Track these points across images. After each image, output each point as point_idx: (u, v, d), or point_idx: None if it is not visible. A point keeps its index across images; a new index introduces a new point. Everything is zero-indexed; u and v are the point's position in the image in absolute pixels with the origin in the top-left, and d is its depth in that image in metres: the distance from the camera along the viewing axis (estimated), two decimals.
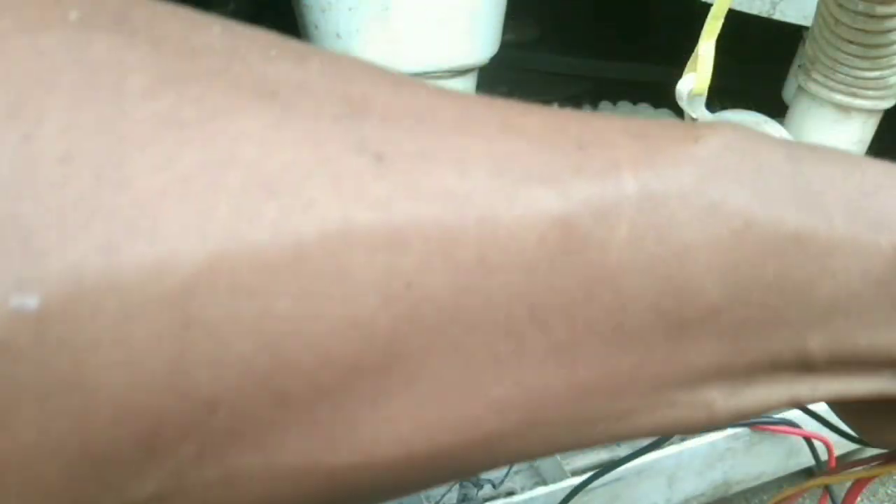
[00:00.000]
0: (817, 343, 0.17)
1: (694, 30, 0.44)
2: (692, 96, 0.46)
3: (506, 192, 0.14)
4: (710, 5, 0.43)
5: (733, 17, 0.46)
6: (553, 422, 0.16)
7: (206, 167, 0.12)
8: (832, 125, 0.59)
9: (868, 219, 0.17)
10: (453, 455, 0.15)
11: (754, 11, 0.64)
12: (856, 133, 0.60)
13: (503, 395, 0.15)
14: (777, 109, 0.66)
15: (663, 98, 0.62)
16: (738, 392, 0.17)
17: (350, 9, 0.50)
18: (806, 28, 0.63)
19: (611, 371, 0.16)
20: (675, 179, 0.15)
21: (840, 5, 0.49)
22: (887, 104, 0.58)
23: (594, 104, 0.71)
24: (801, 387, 0.18)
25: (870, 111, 0.58)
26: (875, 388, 0.19)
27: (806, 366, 0.17)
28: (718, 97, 0.53)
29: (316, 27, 0.52)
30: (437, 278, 0.13)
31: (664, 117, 0.69)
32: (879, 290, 0.17)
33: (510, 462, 0.16)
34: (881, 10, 0.47)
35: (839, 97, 0.57)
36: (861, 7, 0.48)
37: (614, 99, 0.71)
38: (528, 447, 0.16)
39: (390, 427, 0.14)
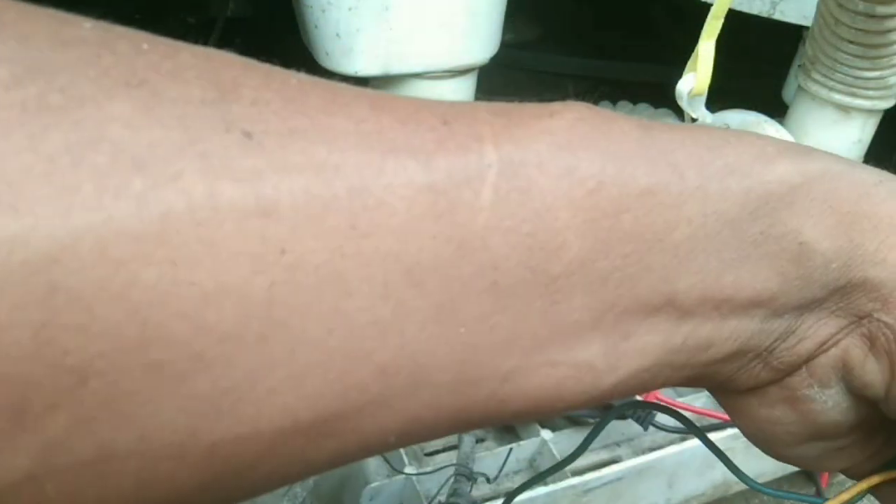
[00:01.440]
0: (684, 284, 0.18)
1: (694, 30, 0.44)
2: (692, 96, 0.46)
3: (374, 164, 0.15)
4: (710, 5, 0.43)
5: (733, 17, 0.46)
6: (437, 383, 0.16)
7: (71, 147, 0.12)
8: (832, 125, 0.59)
9: (717, 168, 0.18)
10: (340, 422, 0.16)
11: (754, 11, 0.64)
12: (856, 133, 0.60)
13: (387, 358, 0.15)
14: (777, 109, 0.66)
15: (663, 98, 0.62)
16: (617, 348, 0.18)
17: (350, 9, 0.50)
18: (806, 28, 0.63)
19: (490, 328, 0.17)
20: (533, 149, 0.17)
21: (840, 5, 0.49)
22: (887, 104, 0.58)
23: (594, 104, 0.71)
24: (677, 336, 0.19)
25: (870, 111, 0.58)
26: (747, 331, 0.19)
27: (677, 309, 0.18)
28: (718, 97, 0.53)
29: (316, 27, 0.52)
30: (311, 243, 0.14)
31: (664, 117, 0.69)
32: (735, 228, 0.18)
33: (399, 431, 0.17)
34: (881, 10, 0.47)
35: (839, 97, 0.57)
36: (861, 7, 0.48)
37: (614, 99, 0.71)
38: (415, 411, 0.17)
39: (274, 397, 0.14)
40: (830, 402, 0.21)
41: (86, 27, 0.14)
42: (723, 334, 0.19)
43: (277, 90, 0.15)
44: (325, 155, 0.14)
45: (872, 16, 0.48)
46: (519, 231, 0.16)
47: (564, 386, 0.18)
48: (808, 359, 0.20)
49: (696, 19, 0.45)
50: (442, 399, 0.17)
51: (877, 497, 0.24)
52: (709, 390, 0.23)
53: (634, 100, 0.71)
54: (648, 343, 0.18)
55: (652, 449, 0.62)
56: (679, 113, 0.48)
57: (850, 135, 0.60)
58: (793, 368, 0.21)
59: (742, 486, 0.71)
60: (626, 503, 0.64)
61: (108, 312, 0.12)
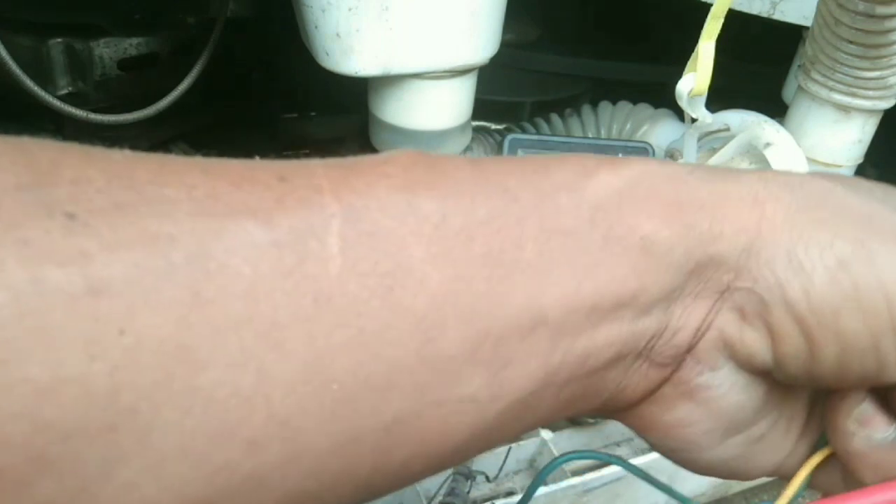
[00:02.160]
0: (549, 299, 0.18)
1: (694, 30, 0.44)
2: (692, 96, 0.46)
3: (212, 229, 0.14)
4: (710, 5, 0.43)
5: (733, 17, 0.46)
6: (316, 448, 0.16)
7: None
8: (832, 125, 0.59)
9: (546, 188, 0.19)
10: None
11: (754, 11, 0.64)
12: (855, 133, 0.60)
13: (255, 431, 0.15)
14: (777, 109, 0.66)
15: (663, 98, 0.62)
16: (498, 377, 0.18)
17: (350, 9, 0.50)
18: (806, 28, 0.63)
19: (365, 379, 0.16)
20: (373, 194, 0.17)
21: (840, 5, 0.49)
22: (887, 104, 0.58)
23: (594, 104, 0.71)
24: (555, 354, 0.19)
25: (870, 111, 0.58)
26: (621, 333, 0.20)
27: (549, 326, 0.19)
28: (718, 97, 0.53)
29: (316, 27, 0.52)
30: (151, 319, 0.13)
31: (664, 117, 0.68)
32: (578, 238, 0.19)
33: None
34: (881, 10, 0.47)
35: (839, 97, 0.57)
36: (861, 7, 0.48)
37: (614, 99, 0.71)
38: (296, 483, 0.16)
39: (133, 491, 0.13)
40: (727, 383, 0.21)
41: None
42: (598, 342, 0.19)
43: (100, 167, 0.15)
44: (157, 226, 0.14)
45: (872, 16, 0.48)
46: (375, 272, 0.16)
47: (450, 424, 0.18)
48: (690, 347, 0.21)
49: (695, 19, 0.45)
50: (324, 464, 0.16)
51: (818, 487, 0.24)
52: (607, 413, 0.23)
53: (634, 100, 0.71)
54: (528, 366, 0.18)
55: (652, 449, 0.62)
56: (679, 113, 0.48)
57: (850, 135, 0.60)
58: (678, 361, 0.21)
59: (742, 486, 0.71)
60: (626, 503, 0.64)
61: None
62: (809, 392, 0.24)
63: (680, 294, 0.20)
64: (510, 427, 0.19)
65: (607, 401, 0.21)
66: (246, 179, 0.16)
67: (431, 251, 0.17)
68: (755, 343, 0.20)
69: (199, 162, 0.16)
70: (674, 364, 0.21)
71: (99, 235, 0.13)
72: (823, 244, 0.19)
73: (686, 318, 0.21)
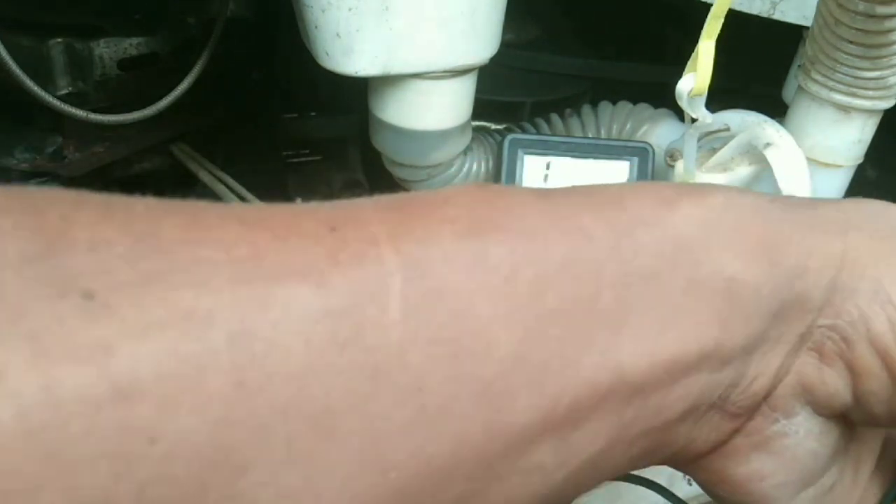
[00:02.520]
0: (628, 353, 0.16)
1: (694, 29, 0.44)
2: (692, 96, 0.46)
3: (257, 299, 0.12)
4: (709, 5, 0.43)
5: (733, 17, 0.46)
6: None
7: None
8: (832, 125, 0.59)
9: (623, 223, 0.17)
10: None
11: (754, 11, 0.64)
12: (856, 133, 0.60)
13: None
14: (777, 109, 0.66)
15: (663, 98, 0.62)
16: (567, 441, 0.16)
17: (350, 9, 0.50)
18: (806, 28, 0.63)
19: (427, 462, 0.14)
20: (436, 243, 0.15)
21: (840, 5, 0.49)
22: (887, 104, 0.58)
23: (594, 104, 0.71)
24: (627, 411, 0.17)
25: (870, 111, 0.58)
26: (696, 386, 0.18)
27: (628, 384, 0.17)
28: (718, 97, 0.53)
29: (316, 27, 0.52)
30: (187, 421, 0.11)
31: (664, 117, 0.68)
32: (660, 282, 0.17)
33: None
34: (881, 10, 0.47)
35: (839, 97, 0.57)
36: (861, 7, 0.48)
37: (614, 99, 0.71)
38: None
39: None
40: (802, 431, 0.20)
41: None
42: (673, 396, 0.18)
43: (121, 224, 0.12)
44: (192, 301, 0.12)
45: (872, 16, 0.48)
46: (439, 339, 0.14)
47: (512, 497, 0.16)
48: (766, 395, 0.20)
49: (695, 19, 0.45)
50: None
51: None
52: (675, 466, 0.22)
53: (634, 100, 0.71)
54: (600, 427, 0.17)
55: None
56: (679, 113, 0.48)
57: (850, 135, 0.60)
58: (752, 410, 0.20)
59: None
60: (626, 503, 0.64)
61: None
62: (880, 434, 0.23)
63: (762, 341, 0.19)
64: (574, 489, 0.18)
65: (677, 455, 0.20)
66: (292, 231, 0.14)
67: (501, 309, 0.15)
68: (836, 383, 0.19)
69: (235, 211, 0.14)
70: (747, 414, 0.20)
71: (123, 319, 0.11)
72: None
73: (765, 364, 0.19)
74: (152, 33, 0.61)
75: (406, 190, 0.66)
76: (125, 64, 0.60)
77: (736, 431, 0.20)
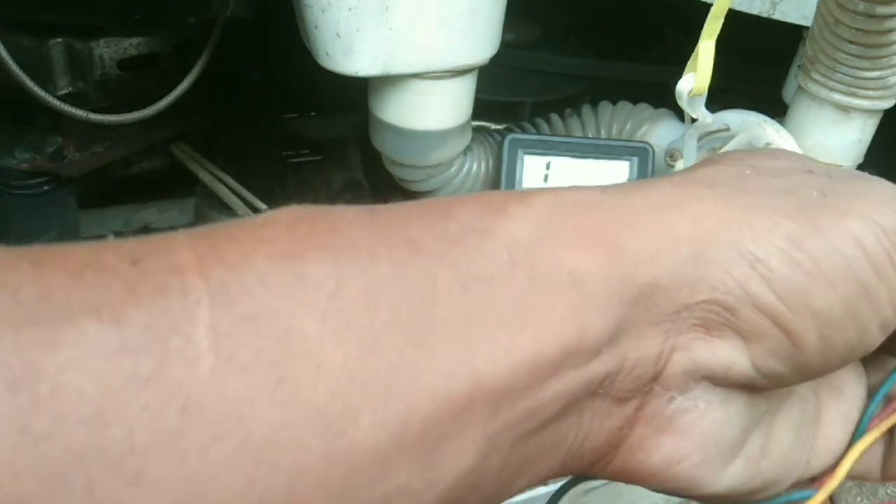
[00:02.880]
0: (482, 359, 0.16)
1: (694, 29, 0.44)
2: (692, 96, 0.46)
3: (43, 341, 0.12)
4: (709, 5, 0.43)
5: (733, 17, 0.46)
6: None
7: None
8: (832, 125, 0.59)
9: (453, 233, 0.17)
10: None
11: (754, 11, 0.64)
12: (856, 133, 0.60)
13: None
14: (777, 109, 0.66)
15: (663, 98, 0.62)
16: (430, 458, 0.15)
17: (350, 9, 0.50)
18: (806, 28, 0.63)
19: (256, 499, 0.13)
20: (249, 266, 0.14)
21: (840, 5, 0.49)
22: (887, 104, 0.58)
23: (594, 104, 0.71)
24: (495, 420, 0.16)
25: (870, 111, 0.58)
26: (571, 383, 0.17)
27: (483, 390, 0.16)
28: (718, 97, 0.53)
29: (316, 27, 0.52)
30: None
31: (664, 117, 0.68)
32: (500, 283, 0.17)
33: None
34: (881, 10, 0.47)
35: (839, 97, 0.57)
36: (861, 7, 0.48)
37: (614, 99, 0.71)
38: None
39: None
40: (702, 403, 0.20)
41: None
42: (544, 398, 0.17)
43: None
44: None
45: (872, 16, 0.48)
46: (259, 363, 0.13)
47: None
48: (654, 377, 0.19)
49: (695, 19, 0.45)
50: None
51: (851, 476, 0.23)
52: (584, 471, 0.21)
53: (634, 100, 0.71)
54: (465, 440, 0.16)
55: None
56: (679, 113, 0.48)
57: (850, 135, 0.60)
58: (643, 393, 0.19)
59: None
60: (626, 503, 0.64)
61: None
62: (803, 389, 0.23)
63: (630, 325, 0.18)
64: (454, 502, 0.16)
65: (573, 455, 0.19)
66: (89, 267, 0.13)
67: (328, 325, 0.14)
68: (730, 354, 0.19)
69: (28, 254, 0.13)
70: (638, 397, 0.19)
71: None
72: (768, 228, 0.18)
73: (643, 348, 0.19)
74: (152, 33, 0.61)
75: (406, 190, 0.66)
76: (125, 64, 0.60)
77: (634, 421, 0.20)
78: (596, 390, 0.18)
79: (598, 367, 0.18)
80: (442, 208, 0.18)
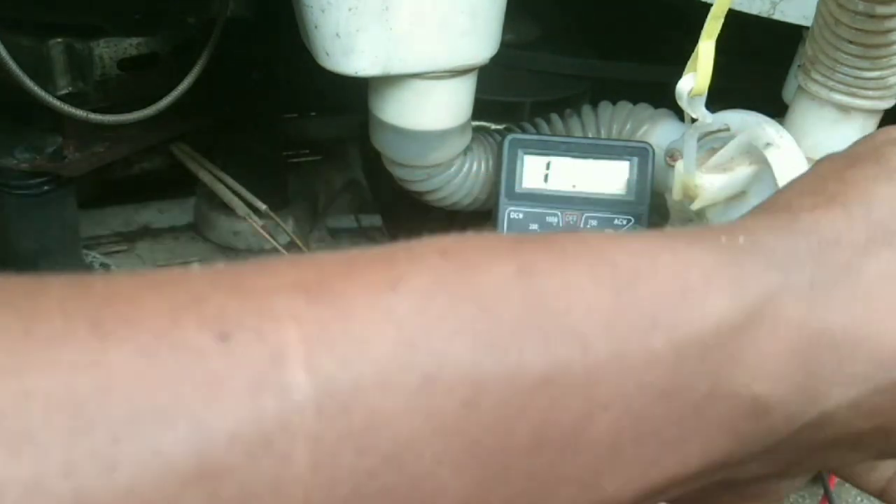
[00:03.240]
0: (612, 487, 0.13)
1: (694, 30, 0.44)
2: (692, 96, 0.46)
3: (104, 457, 0.10)
4: (709, 5, 0.43)
5: (733, 17, 0.46)
6: None
7: None
8: (832, 125, 0.59)
9: (631, 323, 0.13)
10: None
11: (754, 11, 0.64)
12: (856, 133, 0.60)
13: None
14: (777, 109, 0.66)
15: (663, 98, 0.62)
16: None
17: (350, 9, 0.50)
18: (806, 28, 0.63)
19: None
20: (367, 356, 0.11)
21: (840, 5, 0.49)
22: (887, 104, 0.58)
23: (594, 104, 0.71)
24: None
25: (870, 111, 0.58)
26: (699, 489, 0.15)
27: None
28: (718, 97, 0.53)
29: (316, 27, 0.52)
30: None
31: (664, 117, 0.68)
32: (670, 401, 0.13)
33: None
34: (881, 10, 0.47)
35: (839, 97, 0.57)
36: (861, 7, 0.48)
37: (614, 99, 0.71)
38: None
39: None
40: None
41: None
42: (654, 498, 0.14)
43: None
44: (25, 465, 0.10)
45: (872, 16, 0.48)
46: (365, 491, 0.11)
47: None
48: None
49: (695, 19, 0.45)
50: None
51: None
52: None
53: (634, 100, 0.71)
54: None
55: None
56: (679, 113, 0.48)
57: (850, 135, 0.60)
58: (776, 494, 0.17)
59: None
60: None
61: None
62: None
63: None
64: None
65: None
66: (165, 337, 0.11)
67: (451, 446, 0.12)
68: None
69: (88, 313, 0.11)
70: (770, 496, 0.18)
71: None
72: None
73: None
74: (152, 33, 0.61)
75: (407, 189, 0.66)
76: (125, 64, 0.60)
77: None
78: (724, 492, 0.17)
79: (735, 474, 0.16)
80: (621, 276, 0.13)
